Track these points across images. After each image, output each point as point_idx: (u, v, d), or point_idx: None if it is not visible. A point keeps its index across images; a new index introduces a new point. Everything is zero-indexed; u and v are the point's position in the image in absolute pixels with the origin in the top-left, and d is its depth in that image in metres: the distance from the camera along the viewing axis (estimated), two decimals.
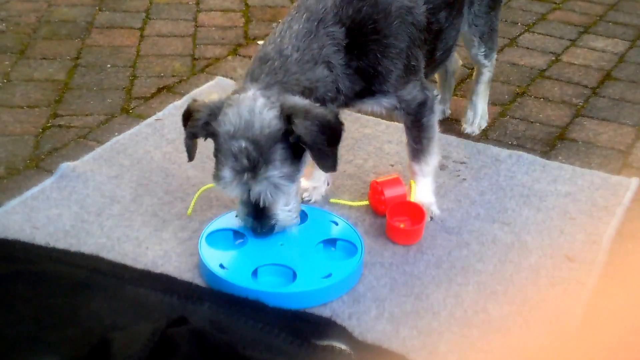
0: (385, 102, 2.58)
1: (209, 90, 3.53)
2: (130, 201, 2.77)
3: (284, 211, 2.41)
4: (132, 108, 3.46)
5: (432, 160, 2.73)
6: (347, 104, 2.54)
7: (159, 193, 2.82)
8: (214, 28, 4.34)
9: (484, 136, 3.35)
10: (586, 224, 2.74)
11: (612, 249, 2.61)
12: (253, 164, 2.25)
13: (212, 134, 2.32)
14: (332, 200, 2.80)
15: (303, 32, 2.39)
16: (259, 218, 2.40)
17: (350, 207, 2.78)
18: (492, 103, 3.63)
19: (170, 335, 1.87)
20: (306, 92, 2.35)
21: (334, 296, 2.35)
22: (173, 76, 3.77)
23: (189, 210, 2.71)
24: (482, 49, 3.17)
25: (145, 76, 3.76)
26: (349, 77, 2.45)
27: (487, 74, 3.32)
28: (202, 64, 3.91)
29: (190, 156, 2.40)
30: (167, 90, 3.63)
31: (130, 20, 4.37)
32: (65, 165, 2.90)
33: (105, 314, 2.15)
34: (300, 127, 2.22)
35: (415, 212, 2.66)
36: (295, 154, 2.31)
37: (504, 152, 3.16)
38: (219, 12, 4.55)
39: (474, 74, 3.35)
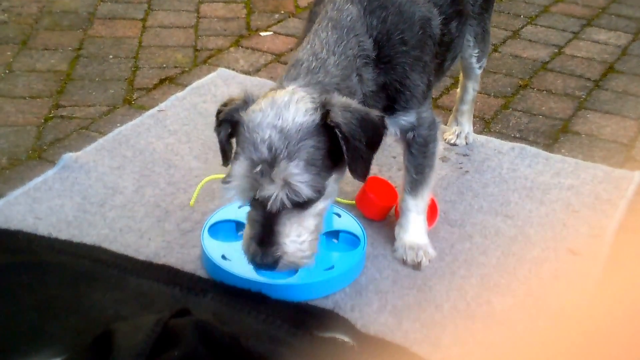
0: (404, 120, 2.37)
1: (213, 82, 3.53)
2: (133, 192, 2.76)
3: (295, 243, 2.06)
4: (134, 99, 3.46)
5: (428, 195, 2.53)
6: None
7: (161, 184, 2.82)
8: (216, 19, 4.33)
9: (487, 129, 3.34)
10: (589, 217, 2.73)
11: (615, 242, 2.61)
12: (273, 156, 1.96)
13: (237, 126, 2.07)
14: None
15: (334, 38, 2.19)
16: (263, 245, 2.05)
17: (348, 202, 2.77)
18: (494, 95, 3.63)
19: (173, 326, 1.87)
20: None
21: (337, 288, 2.35)
22: (175, 67, 3.76)
23: (192, 202, 2.71)
24: (476, 50, 3.00)
25: (148, 67, 3.75)
26: (374, 94, 2.25)
27: (471, 92, 3.17)
28: (204, 55, 3.90)
29: (226, 157, 2.15)
30: (170, 82, 3.63)
31: (132, 11, 4.36)
32: (68, 156, 2.89)
33: (107, 305, 2.15)
34: (339, 115, 1.98)
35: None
36: (326, 164, 2.03)
37: (506, 145, 3.16)
38: (221, 3, 4.54)
39: (458, 91, 3.22)
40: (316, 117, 1.99)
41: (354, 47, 2.19)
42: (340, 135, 1.98)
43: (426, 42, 2.37)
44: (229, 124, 2.10)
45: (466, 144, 3.17)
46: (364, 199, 2.67)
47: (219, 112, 2.12)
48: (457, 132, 3.19)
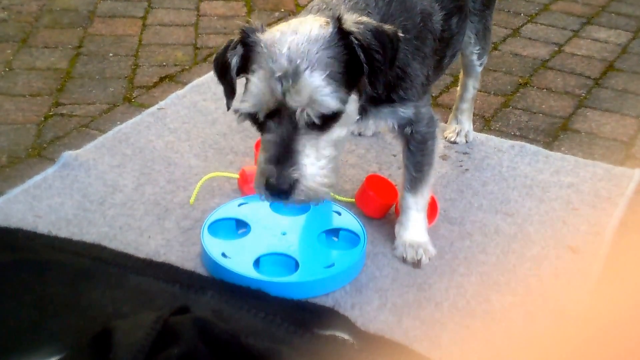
0: (402, 112, 2.33)
1: (213, 80, 3.53)
2: (133, 190, 2.76)
3: (314, 165, 1.98)
4: (134, 97, 3.46)
5: (427, 192, 2.52)
6: (363, 108, 2.23)
7: (161, 182, 2.82)
8: (216, 17, 4.33)
9: (487, 127, 3.34)
10: (589, 214, 2.73)
11: (614, 239, 2.61)
12: (294, 67, 1.92)
13: (252, 50, 2.02)
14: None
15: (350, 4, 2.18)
16: (280, 164, 1.96)
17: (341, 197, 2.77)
18: (494, 93, 3.63)
19: (173, 323, 1.87)
20: None
21: (337, 286, 2.35)
22: (175, 65, 3.76)
23: (192, 199, 2.71)
24: (477, 47, 2.99)
25: (148, 65, 3.75)
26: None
27: (471, 90, 3.17)
28: (204, 53, 3.90)
29: (233, 91, 2.11)
30: (170, 80, 3.63)
31: (132, 9, 4.37)
32: (68, 154, 2.89)
33: (107, 303, 2.15)
34: (353, 26, 1.97)
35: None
36: (346, 79, 2.00)
37: (506, 143, 3.16)
38: (221, 2, 4.54)
39: (459, 89, 3.22)
40: (334, 29, 1.98)
41: (363, 10, 2.18)
42: (356, 43, 1.97)
43: (426, 36, 2.36)
44: (242, 48, 2.06)
45: (466, 142, 3.17)
46: (364, 196, 2.67)
47: (229, 43, 2.08)
48: (457, 130, 3.19)
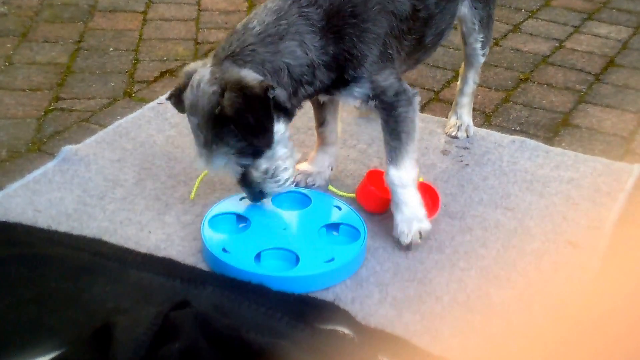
0: (358, 92, 2.45)
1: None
2: (133, 185, 2.77)
3: (264, 180, 2.42)
4: (134, 92, 3.46)
5: (411, 166, 2.51)
6: (325, 91, 2.46)
7: (161, 177, 2.82)
8: (217, 12, 4.33)
9: (487, 122, 3.34)
10: (589, 209, 2.74)
11: (614, 234, 2.61)
12: (206, 141, 2.30)
13: None
14: (329, 187, 2.79)
15: (274, 9, 2.35)
16: (246, 186, 2.46)
17: (342, 192, 2.76)
18: (495, 89, 3.63)
19: (173, 318, 1.87)
20: (268, 67, 2.30)
21: (337, 280, 2.35)
22: (176, 60, 3.76)
23: (192, 194, 2.71)
24: (481, 35, 3.00)
25: (148, 60, 3.75)
26: (325, 64, 2.37)
27: (471, 84, 3.18)
28: (205, 48, 3.90)
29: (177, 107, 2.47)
30: (170, 74, 3.63)
31: (133, 4, 4.36)
32: (68, 149, 2.89)
33: (107, 298, 2.15)
34: (225, 98, 2.23)
35: (429, 194, 2.67)
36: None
37: (507, 138, 3.16)
38: None
39: (459, 83, 3.22)
40: (215, 102, 2.25)
41: (292, 17, 2.34)
42: (228, 118, 2.23)
43: (382, 18, 2.43)
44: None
45: (467, 136, 3.16)
46: (364, 191, 2.67)
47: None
48: (458, 124, 3.18)
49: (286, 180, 2.46)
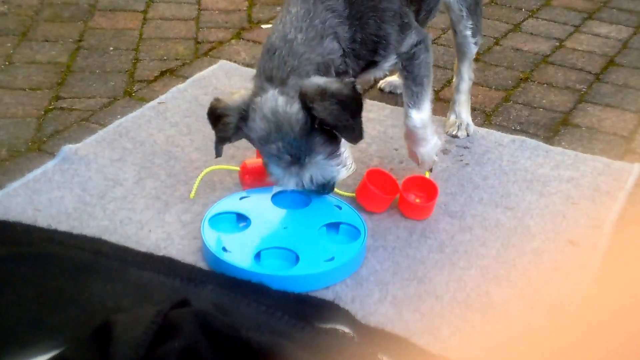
0: (387, 66, 2.60)
1: (214, 75, 3.53)
2: (133, 184, 2.77)
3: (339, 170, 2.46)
4: (135, 91, 3.46)
5: (428, 107, 2.67)
6: (354, 77, 2.50)
7: (162, 176, 2.82)
8: (217, 11, 4.33)
9: (488, 121, 3.34)
10: (589, 208, 2.74)
11: (614, 233, 2.61)
12: (297, 157, 2.29)
13: (246, 137, 2.37)
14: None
15: (302, 12, 2.37)
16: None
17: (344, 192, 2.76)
18: (495, 88, 3.63)
19: (173, 317, 1.87)
20: (322, 68, 2.35)
21: (337, 279, 2.35)
22: (176, 59, 3.76)
23: (192, 193, 2.71)
24: (470, 22, 3.04)
25: (148, 59, 3.75)
26: (354, 51, 2.43)
27: (467, 81, 3.21)
28: (205, 48, 3.90)
29: (219, 154, 2.42)
30: (170, 74, 3.63)
31: (133, 3, 4.36)
32: (68, 148, 2.89)
33: (107, 297, 2.15)
34: (321, 110, 2.23)
35: (428, 188, 2.69)
36: (333, 140, 2.34)
37: (507, 137, 3.16)
38: None
39: (454, 79, 3.24)
40: (306, 115, 2.26)
41: (322, 14, 2.37)
42: (327, 126, 2.27)
43: None
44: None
45: (467, 135, 3.17)
46: (364, 191, 2.67)
47: (216, 123, 2.38)
48: (457, 123, 3.19)
49: (352, 164, 2.74)
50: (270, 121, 2.27)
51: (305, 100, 2.24)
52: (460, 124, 3.19)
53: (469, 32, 3.07)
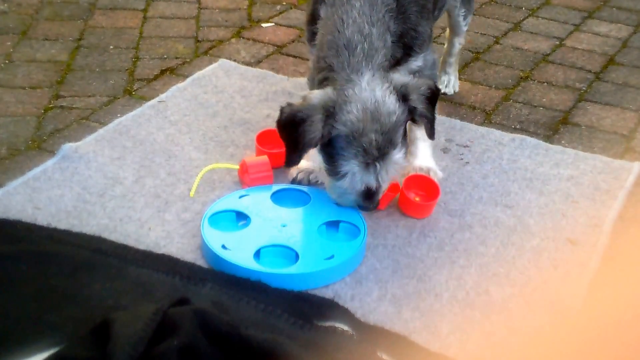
0: (414, 65, 2.61)
1: (214, 73, 3.53)
2: (133, 182, 2.77)
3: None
4: (134, 90, 3.46)
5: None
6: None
7: (161, 174, 2.82)
8: (217, 10, 4.33)
9: (488, 120, 3.34)
10: (588, 207, 2.74)
11: (613, 232, 2.61)
12: (382, 153, 2.32)
13: (329, 134, 2.34)
14: None
15: (367, 7, 2.40)
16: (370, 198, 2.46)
17: None
18: (495, 87, 3.63)
19: (172, 315, 1.87)
20: (389, 61, 2.44)
21: (337, 278, 2.35)
22: (176, 58, 3.76)
23: (192, 192, 2.71)
24: (462, 10, 3.29)
25: (148, 58, 3.75)
26: (394, 44, 2.48)
27: (457, 46, 3.44)
28: (205, 46, 3.90)
29: (296, 162, 2.43)
30: (170, 72, 3.63)
31: (133, 2, 4.36)
32: (68, 146, 2.89)
33: (107, 294, 2.15)
34: (418, 102, 2.36)
35: (430, 187, 2.69)
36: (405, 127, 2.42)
37: (507, 136, 3.16)
38: None
39: (445, 46, 3.48)
40: (403, 107, 2.35)
41: (381, 7, 2.41)
42: (421, 118, 2.40)
43: None
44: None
45: (454, 92, 3.47)
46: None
47: (298, 128, 2.32)
48: (446, 81, 3.47)
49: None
50: (368, 111, 2.29)
51: (403, 93, 2.33)
52: (449, 81, 3.47)
53: (461, 18, 3.33)
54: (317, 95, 2.33)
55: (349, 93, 2.30)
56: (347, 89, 2.31)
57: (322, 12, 2.48)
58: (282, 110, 2.36)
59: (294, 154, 2.37)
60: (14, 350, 1.92)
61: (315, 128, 2.30)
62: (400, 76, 2.40)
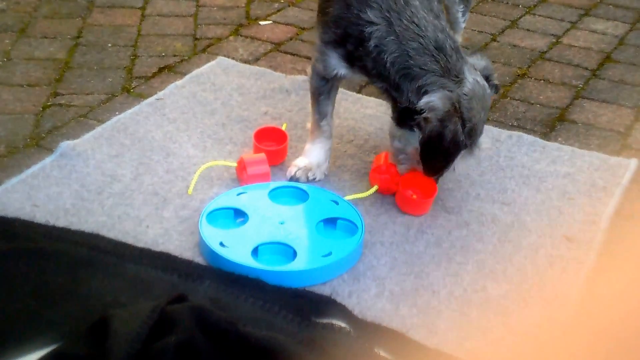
0: None
1: (212, 71, 3.53)
2: (131, 180, 2.77)
3: None
4: (133, 87, 3.46)
5: None
6: None
7: (159, 172, 2.83)
8: (215, 8, 4.33)
9: None
10: (585, 204, 2.75)
11: (610, 229, 2.62)
12: (480, 131, 2.55)
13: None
14: (346, 197, 2.68)
15: (425, 5, 2.53)
16: None
17: (361, 194, 2.74)
18: None
19: (170, 312, 1.88)
20: None
21: (334, 275, 2.36)
22: (174, 56, 3.77)
23: (190, 189, 2.72)
24: (461, 6, 3.32)
25: (147, 56, 3.75)
26: None
27: (457, 40, 3.49)
28: (203, 44, 3.90)
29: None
30: (168, 70, 3.63)
31: (131, 0, 4.36)
32: (66, 144, 2.90)
33: (105, 292, 2.16)
34: (496, 85, 2.65)
35: (427, 185, 2.69)
36: None
37: (504, 133, 3.17)
38: None
39: None
40: (491, 92, 2.59)
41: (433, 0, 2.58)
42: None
43: None
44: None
45: None
46: (376, 172, 2.72)
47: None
48: None
49: None
50: (479, 102, 2.48)
51: (486, 75, 2.56)
52: None
53: (459, 15, 3.34)
54: (444, 103, 2.42)
55: (468, 91, 2.44)
56: (463, 87, 2.44)
57: (372, 15, 2.47)
58: (431, 131, 2.45)
59: (447, 165, 2.57)
60: (12, 347, 1.92)
61: (461, 134, 2.45)
62: (473, 60, 2.57)
